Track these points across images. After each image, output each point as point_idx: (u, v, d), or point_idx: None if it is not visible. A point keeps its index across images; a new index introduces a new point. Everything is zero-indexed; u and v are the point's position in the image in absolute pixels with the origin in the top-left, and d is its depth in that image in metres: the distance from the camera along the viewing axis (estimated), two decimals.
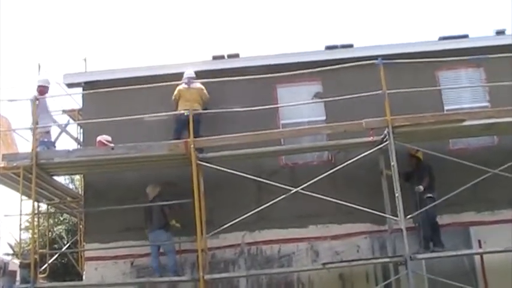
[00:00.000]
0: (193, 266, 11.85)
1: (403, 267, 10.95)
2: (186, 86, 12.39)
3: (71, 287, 13.40)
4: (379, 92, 11.27)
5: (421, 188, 11.39)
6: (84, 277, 12.89)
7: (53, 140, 12.77)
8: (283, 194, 11.11)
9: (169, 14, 53.82)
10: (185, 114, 11.70)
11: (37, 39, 52.53)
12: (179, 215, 11.61)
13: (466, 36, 13.39)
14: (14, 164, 11.70)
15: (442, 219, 11.71)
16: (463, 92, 13.23)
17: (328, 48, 13.49)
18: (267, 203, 11.23)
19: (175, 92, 12.38)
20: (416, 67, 12.37)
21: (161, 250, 11.75)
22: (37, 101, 12.10)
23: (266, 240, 12.25)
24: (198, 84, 12.47)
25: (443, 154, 11.27)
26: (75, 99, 14.24)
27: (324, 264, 11.30)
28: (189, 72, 12.62)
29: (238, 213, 11.23)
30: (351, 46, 13.50)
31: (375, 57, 11.60)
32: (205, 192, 11.50)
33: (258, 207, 11.32)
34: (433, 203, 11.17)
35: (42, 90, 12.87)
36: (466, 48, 12.83)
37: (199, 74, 12.46)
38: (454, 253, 11.37)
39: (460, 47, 12.94)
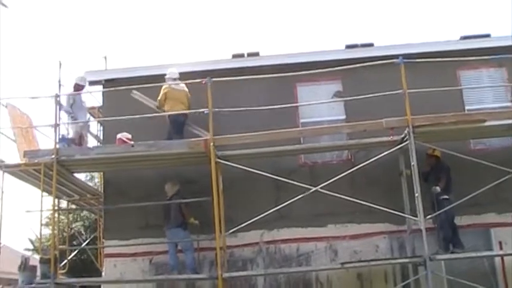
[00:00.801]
0: (211, 264, 11.89)
1: (422, 268, 10.90)
2: (172, 86, 12.42)
3: (90, 282, 13.47)
4: (400, 91, 11.20)
5: (438, 188, 11.31)
6: (103, 273, 12.97)
7: (73, 136, 12.89)
8: (302, 193, 11.09)
9: (191, 12, 54.00)
10: (204, 112, 11.70)
11: (58, 37, 52.98)
12: (197, 213, 11.62)
13: (488, 36, 13.27)
14: (35, 161, 11.81)
15: (463, 220, 11.64)
16: (485, 92, 13.13)
17: (349, 47, 13.45)
18: (286, 201, 11.22)
19: (161, 93, 12.40)
20: (438, 66, 12.26)
21: (179, 248, 11.78)
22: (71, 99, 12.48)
23: (284, 239, 12.24)
24: (183, 85, 12.51)
25: (464, 154, 11.18)
26: (96, 97, 14.31)
27: (342, 263, 11.26)
28: (173, 72, 12.64)
29: (257, 211, 11.23)
30: (371, 45, 13.45)
31: (396, 56, 11.51)
32: (223, 191, 11.52)
33: (277, 206, 11.32)
34: (450, 205, 11.06)
35: (79, 88, 13.09)
36: (488, 47, 12.69)
37: (220, 73, 12.44)
38: (474, 254, 11.30)
39: (481, 46, 12.80)
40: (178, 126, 12.25)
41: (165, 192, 12.05)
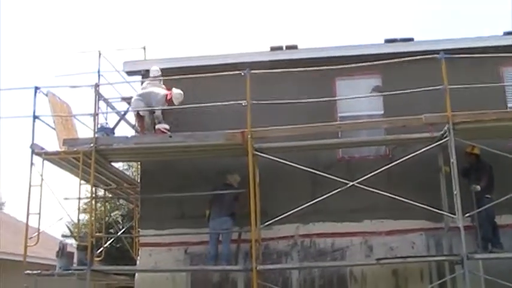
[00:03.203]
0: (246, 256, 11.91)
1: (459, 267, 10.76)
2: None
3: (125, 271, 13.64)
4: (440, 87, 11.05)
5: (478, 187, 11.14)
6: (138, 262, 13.10)
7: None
8: (339, 188, 11.03)
9: (229, 4, 54.03)
10: (243, 105, 11.69)
11: (98, 27, 53.52)
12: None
13: None
14: (74, 149, 11.98)
15: (502, 220, 11.42)
16: None
17: (388, 41, 13.30)
18: (322, 196, 11.16)
19: None
20: (479, 63, 12.05)
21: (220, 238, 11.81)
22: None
23: (320, 233, 12.19)
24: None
25: (505, 153, 10.98)
26: (134, 87, 14.42)
27: (377, 259, 11.19)
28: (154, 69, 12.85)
29: (293, 205, 11.20)
30: (411, 40, 13.26)
31: (436, 52, 11.34)
32: (260, 183, 11.52)
33: (313, 200, 11.27)
34: (490, 204, 10.89)
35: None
36: None
37: (258, 65, 12.36)
38: None
39: None
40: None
41: (231, 180, 12.03)
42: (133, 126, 14.93)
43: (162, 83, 12.85)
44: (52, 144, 12.64)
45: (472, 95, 11.66)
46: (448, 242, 11.49)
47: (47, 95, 12.70)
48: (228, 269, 11.65)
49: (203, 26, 55.72)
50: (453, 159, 10.69)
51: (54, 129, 12.63)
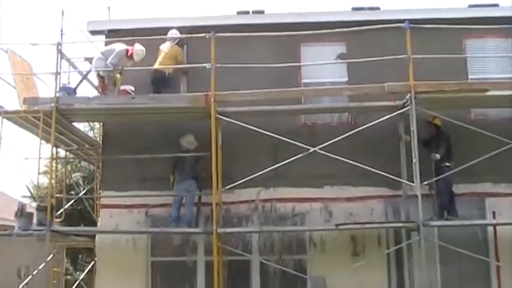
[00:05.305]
0: (207, 220, 11.95)
1: (415, 233, 11.00)
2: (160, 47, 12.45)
3: (85, 231, 13.60)
4: (404, 56, 11.14)
5: (438, 156, 11.34)
6: (98, 224, 13.05)
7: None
8: (301, 153, 11.11)
9: None
10: (206, 67, 11.62)
11: None
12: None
13: (496, 5, 13.11)
14: (35, 108, 11.79)
15: (458, 189, 11.63)
16: (489, 62, 13.02)
17: (355, 9, 13.34)
18: (284, 161, 11.25)
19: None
20: (443, 34, 12.11)
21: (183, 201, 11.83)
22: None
23: (281, 198, 12.28)
24: (168, 45, 12.48)
25: (464, 123, 11.18)
26: (98, 47, 14.19)
27: (337, 225, 11.35)
28: (169, 32, 12.58)
29: (255, 169, 11.26)
30: (377, 9, 13.34)
31: (402, 21, 11.41)
32: (222, 147, 11.54)
33: (275, 165, 11.35)
34: (450, 172, 11.13)
35: None
36: (495, 17, 12.54)
37: (224, 29, 12.28)
38: (467, 222, 11.41)
39: (489, 15, 12.65)
40: (152, 84, 12.24)
41: (185, 144, 11.98)
42: (96, 87, 14.74)
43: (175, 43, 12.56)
44: (12, 103, 12.43)
45: (435, 66, 11.80)
46: (406, 209, 11.68)
47: (7, 51, 12.42)
48: (189, 231, 11.70)
49: None
50: (413, 128, 10.85)
51: (14, 87, 12.37)
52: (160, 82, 12.18)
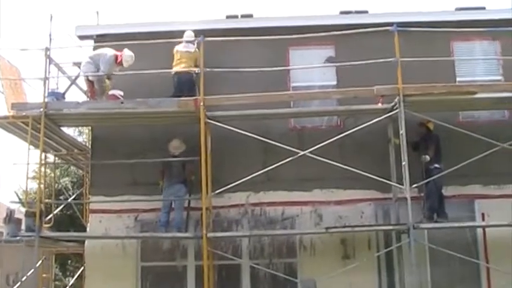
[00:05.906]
0: (197, 224, 11.92)
1: (405, 236, 11.03)
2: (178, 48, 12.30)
3: (74, 237, 13.54)
4: (392, 59, 11.19)
5: (427, 157, 11.37)
6: (88, 229, 13.00)
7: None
8: (290, 157, 11.12)
9: None
10: (196, 72, 11.61)
11: None
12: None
13: (483, 8, 13.21)
14: (23, 114, 11.74)
15: (448, 191, 11.69)
16: (477, 65, 13.09)
17: (343, 13, 13.39)
18: (273, 164, 11.26)
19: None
20: (431, 37, 12.20)
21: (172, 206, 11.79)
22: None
23: (270, 202, 12.28)
24: (190, 46, 12.35)
25: (453, 126, 11.24)
26: (86, 52, 14.15)
27: (326, 228, 11.38)
28: (188, 34, 12.47)
29: (244, 173, 11.27)
30: (365, 12, 13.39)
31: (390, 24, 11.47)
32: (212, 151, 11.52)
33: (264, 169, 11.36)
34: (440, 174, 11.17)
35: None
36: (483, 20, 12.63)
37: (213, 33, 12.29)
38: (457, 224, 11.42)
39: (476, 18, 12.75)
40: (178, 86, 12.13)
41: (171, 149, 11.92)
42: (85, 92, 14.69)
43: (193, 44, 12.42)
44: (0, 108, 12.37)
45: (423, 68, 11.84)
46: (396, 212, 11.71)
47: None
48: (179, 236, 11.66)
49: None
50: (402, 131, 10.89)
51: (2, 92, 12.35)
52: (187, 84, 12.04)
